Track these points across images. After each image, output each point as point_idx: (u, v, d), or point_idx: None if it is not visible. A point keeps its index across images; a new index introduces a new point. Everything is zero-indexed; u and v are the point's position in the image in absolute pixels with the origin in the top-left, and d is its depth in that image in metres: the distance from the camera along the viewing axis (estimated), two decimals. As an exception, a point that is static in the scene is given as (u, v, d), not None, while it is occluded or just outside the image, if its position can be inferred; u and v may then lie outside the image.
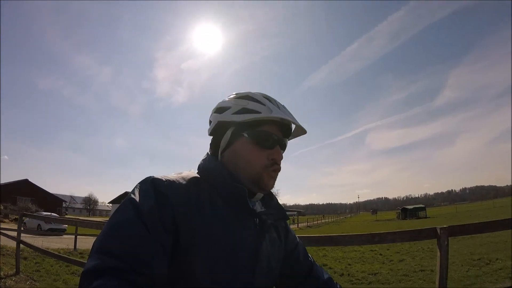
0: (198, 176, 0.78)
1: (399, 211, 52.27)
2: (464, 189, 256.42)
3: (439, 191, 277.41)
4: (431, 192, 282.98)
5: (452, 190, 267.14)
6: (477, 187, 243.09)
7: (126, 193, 59.94)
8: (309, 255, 0.99)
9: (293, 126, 0.85)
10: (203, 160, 0.84)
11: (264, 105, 0.78)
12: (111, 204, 61.24)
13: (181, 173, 0.78)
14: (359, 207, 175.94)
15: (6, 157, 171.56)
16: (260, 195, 0.82)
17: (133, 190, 0.69)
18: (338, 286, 0.96)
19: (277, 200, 0.89)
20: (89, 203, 71.61)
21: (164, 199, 0.67)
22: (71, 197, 76.34)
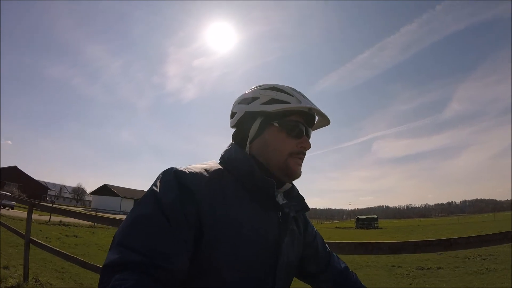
0: (222, 167, 0.78)
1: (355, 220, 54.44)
2: (464, 201, 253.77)
3: (440, 202, 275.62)
4: (432, 203, 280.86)
5: (452, 201, 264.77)
6: (477, 200, 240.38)
7: (104, 186, 64.07)
8: (327, 245, 1.01)
9: (317, 118, 0.87)
10: (227, 150, 0.83)
11: (292, 96, 0.80)
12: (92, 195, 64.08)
13: (204, 164, 0.77)
14: (350, 214, 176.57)
15: (9, 142, 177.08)
16: (288, 185, 0.84)
17: (155, 182, 0.69)
18: (354, 275, 0.97)
19: (297, 190, 0.90)
20: (78, 193, 75.04)
21: (187, 193, 0.66)
22: (64, 186, 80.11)
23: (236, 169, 0.77)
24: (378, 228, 42.28)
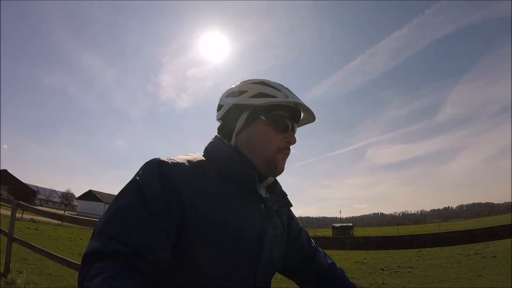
0: (204, 159, 0.78)
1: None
2: (460, 206, 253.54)
3: (436, 208, 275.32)
4: (428, 209, 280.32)
5: (449, 206, 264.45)
6: (474, 204, 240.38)
7: (90, 191, 64.51)
8: (312, 241, 1.00)
9: (302, 114, 0.88)
10: (211, 142, 0.83)
11: (280, 91, 0.81)
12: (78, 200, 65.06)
13: (187, 155, 0.76)
14: (343, 222, 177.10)
15: (5, 146, 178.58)
16: (271, 179, 0.83)
17: (138, 172, 0.68)
18: (341, 271, 0.97)
19: (281, 187, 0.90)
20: (66, 198, 75.93)
21: (170, 182, 0.65)
22: (54, 191, 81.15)
23: (218, 160, 0.77)
24: (352, 236, 43.24)
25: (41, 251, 4.20)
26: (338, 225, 52.61)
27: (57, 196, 78.76)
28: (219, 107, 0.86)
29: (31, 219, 18.52)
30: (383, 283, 7.12)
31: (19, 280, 4.31)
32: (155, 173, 0.66)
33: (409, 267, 9.28)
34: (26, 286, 4.22)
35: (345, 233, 46.14)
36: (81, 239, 12.83)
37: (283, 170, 0.83)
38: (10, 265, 4.70)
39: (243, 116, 0.81)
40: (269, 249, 0.78)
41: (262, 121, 0.80)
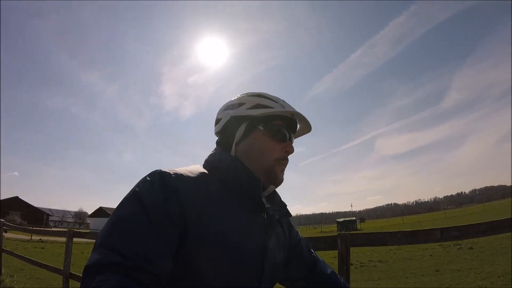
0: (205, 170, 0.78)
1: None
2: (473, 191, 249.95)
3: (449, 194, 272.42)
4: (441, 195, 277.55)
5: (462, 192, 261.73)
6: (486, 188, 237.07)
7: (100, 208, 67.59)
8: (312, 250, 1.00)
9: (299, 125, 0.90)
10: (211, 154, 0.84)
11: (276, 102, 0.83)
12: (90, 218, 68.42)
13: (188, 167, 0.76)
14: (352, 216, 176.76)
15: (16, 173, 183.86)
16: (272, 187, 0.83)
17: (139, 183, 0.67)
18: (342, 280, 0.97)
19: (280, 197, 0.90)
20: (80, 217, 79.21)
21: (172, 193, 0.65)
22: (68, 211, 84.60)
23: (220, 170, 0.77)
24: (358, 230, 42.77)
25: (30, 261, 5.15)
26: (342, 219, 53.27)
27: (71, 216, 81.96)
28: (217, 121, 0.88)
29: (40, 239, 20.49)
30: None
31: (7, 280, 5.88)
32: (156, 183, 0.66)
33: (379, 261, 9.48)
34: (15, 285, 5.48)
35: (348, 228, 46.22)
36: (82, 252, 14.33)
37: (282, 180, 0.84)
38: (2, 270, 6.15)
39: (242, 127, 0.82)
40: (272, 258, 0.79)
41: (260, 131, 0.81)
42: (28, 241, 19.81)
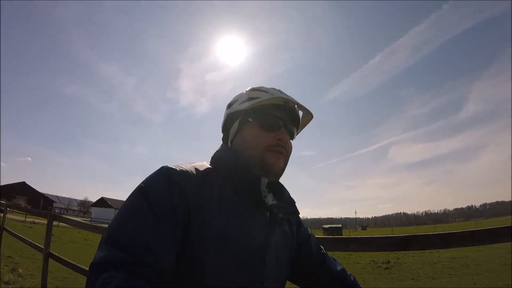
0: (210, 166, 0.78)
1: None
2: (484, 205, 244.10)
3: (460, 207, 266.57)
4: (451, 208, 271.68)
5: (472, 205, 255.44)
6: (497, 202, 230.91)
7: (102, 199, 70.96)
8: (321, 247, 0.99)
9: (301, 114, 0.87)
10: (217, 151, 0.85)
11: (267, 92, 0.82)
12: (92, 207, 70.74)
13: (194, 163, 0.77)
14: (356, 222, 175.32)
15: (29, 158, 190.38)
16: (265, 180, 0.77)
17: (145, 179, 0.68)
18: (352, 277, 0.95)
19: (288, 194, 0.88)
20: (84, 206, 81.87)
21: (177, 189, 0.65)
22: (75, 200, 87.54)
23: (223, 165, 0.78)
24: None
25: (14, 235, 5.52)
26: (328, 226, 54.21)
27: (76, 204, 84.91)
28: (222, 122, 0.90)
29: (32, 221, 23.34)
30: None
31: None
32: (162, 179, 0.66)
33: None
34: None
35: (333, 234, 47.35)
36: (62, 233, 16.20)
37: (279, 170, 0.81)
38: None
39: (236, 123, 0.84)
40: (275, 255, 0.77)
41: (251, 123, 0.82)
42: (22, 221, 22.21)
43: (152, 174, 0.69)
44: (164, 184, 0.65)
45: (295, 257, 0.89)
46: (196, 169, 0.73)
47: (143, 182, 0.67)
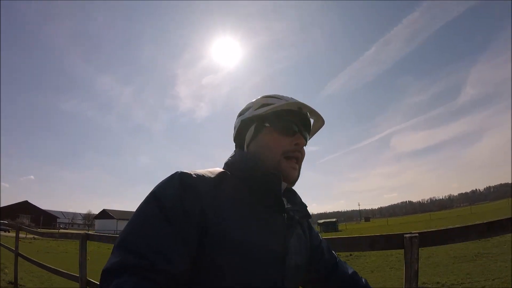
0: (226, 171, 0.78)
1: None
2: (488, 188, 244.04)
3: (464, 191, 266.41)
4: (456, 193, 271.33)
5: (476, 189, 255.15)
6: (501, 185, 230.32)
7: (103, 211, 72.51)
8: (333, 251, 1.00)
9: (312, 121, 0.89)
10: (231, 156, 0.85)
11: (281, 99, 0.83)
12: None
13: (209, 168, 0.76)
14: (360, 215, 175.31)
15: (32, 177, 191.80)
16: (284, 184, 0.81)
17: (158, 184, 0.68)
18: (364, 280, 0.95)
19: (300, 198, 0.89)
20: (88, 219, 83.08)
21: (192, 193, 0.65)
22: (79, 213, 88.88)
23: (240, 170, 0.78)
24: (337, 231, 42.77)
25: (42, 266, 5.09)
26: (322, 221, 53.66)
27: (81, 218, 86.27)
28: (234, 129, 0.90)
29: (33, 237, 23.71)
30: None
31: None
32: (175, 183, 0.66)
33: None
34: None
35: (328, 229, 46.40)
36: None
37: (296, 177, 0.83)
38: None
39: (251, 129, 0.84)
40: (293, 259, 0.77)
41: (267, 128, 0.82)
42: (23, 238, 22.92)
43: (166, 179, 0.69)
44: (177, 189, 0.65)
45: (308, 261, 0.89)
46: (211, 173, 0.74)
47: (156, 187, 0.67)
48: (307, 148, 0.89)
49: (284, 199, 0.81)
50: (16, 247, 5.35)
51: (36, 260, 4.90)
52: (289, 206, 0.83)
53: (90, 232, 4.21)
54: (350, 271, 0.96)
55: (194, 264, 0.62)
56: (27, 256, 5.24)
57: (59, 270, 4.21)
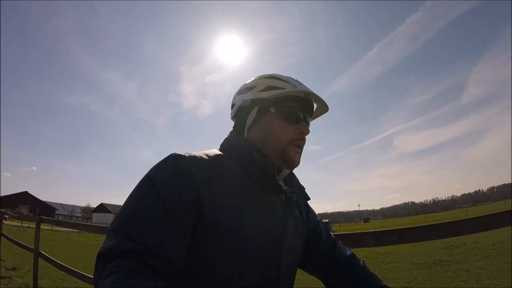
0: (221, 153, 0.77)
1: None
2: (492, 188, 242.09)
3: (467, 192, 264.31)
4: (459, 194, 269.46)
5: (479, 190, 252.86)
6: (504, 185, 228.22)
7: (101, 204, 73.38)
8: (331, 233, 0.99)
9: (315, 106, 0.87)
10: (226, 138, 0.83)
11: (288, 82, 0.80)
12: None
13: (204, 150, 0.76)
14: (360, 215, 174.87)
15: (34, 168, 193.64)
16: (286, 171, 0.82)
17: (152, 168, 0.66)
18: (361, 262, 0.94)
19: (298, 180, 0.89)
20: (86, 212, 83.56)
21: (187, 176, 0.64)
22: (78, 206, 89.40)
23: (235, 153, 0.76)
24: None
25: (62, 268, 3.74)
26: None
27: (80, 211, 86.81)
28: (232, 106, 0.87)
29: (28, 226, 24.97)
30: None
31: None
32: (170, 167, 0.65)
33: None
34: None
35: None
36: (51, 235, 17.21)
37: (298, 162, 0.82)
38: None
39: (254, 111, 0.81)
40: (291, 240, 0.77)
41: (272, 114, 0.80)
42: (18, 226, 24.59)
43: (160, 161, 0.68)
44: (172, 172, 0.64)
45: (306, 243, 0.89)
46: (207, 156, 0.73)
47: (150, 171, 0.66)
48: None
49: (281, 181, 0.84)
50: (37, 246, 3.95)
51: (59, 262, 3.61)
52: (286, 188, 0.83)
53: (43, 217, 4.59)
54: (348, 253, 0.95)
55: (190, 251, 0.61)
56: (50, 257, 3.79)
57: (85, 275, 3.15)
